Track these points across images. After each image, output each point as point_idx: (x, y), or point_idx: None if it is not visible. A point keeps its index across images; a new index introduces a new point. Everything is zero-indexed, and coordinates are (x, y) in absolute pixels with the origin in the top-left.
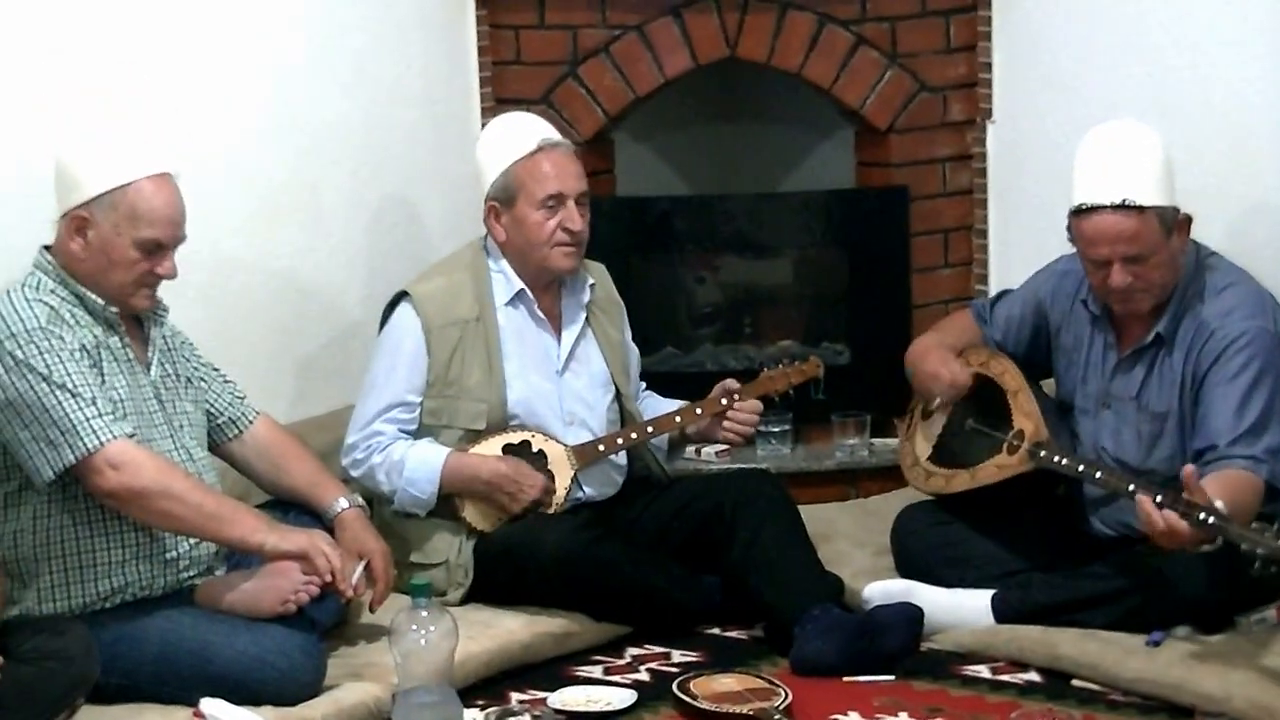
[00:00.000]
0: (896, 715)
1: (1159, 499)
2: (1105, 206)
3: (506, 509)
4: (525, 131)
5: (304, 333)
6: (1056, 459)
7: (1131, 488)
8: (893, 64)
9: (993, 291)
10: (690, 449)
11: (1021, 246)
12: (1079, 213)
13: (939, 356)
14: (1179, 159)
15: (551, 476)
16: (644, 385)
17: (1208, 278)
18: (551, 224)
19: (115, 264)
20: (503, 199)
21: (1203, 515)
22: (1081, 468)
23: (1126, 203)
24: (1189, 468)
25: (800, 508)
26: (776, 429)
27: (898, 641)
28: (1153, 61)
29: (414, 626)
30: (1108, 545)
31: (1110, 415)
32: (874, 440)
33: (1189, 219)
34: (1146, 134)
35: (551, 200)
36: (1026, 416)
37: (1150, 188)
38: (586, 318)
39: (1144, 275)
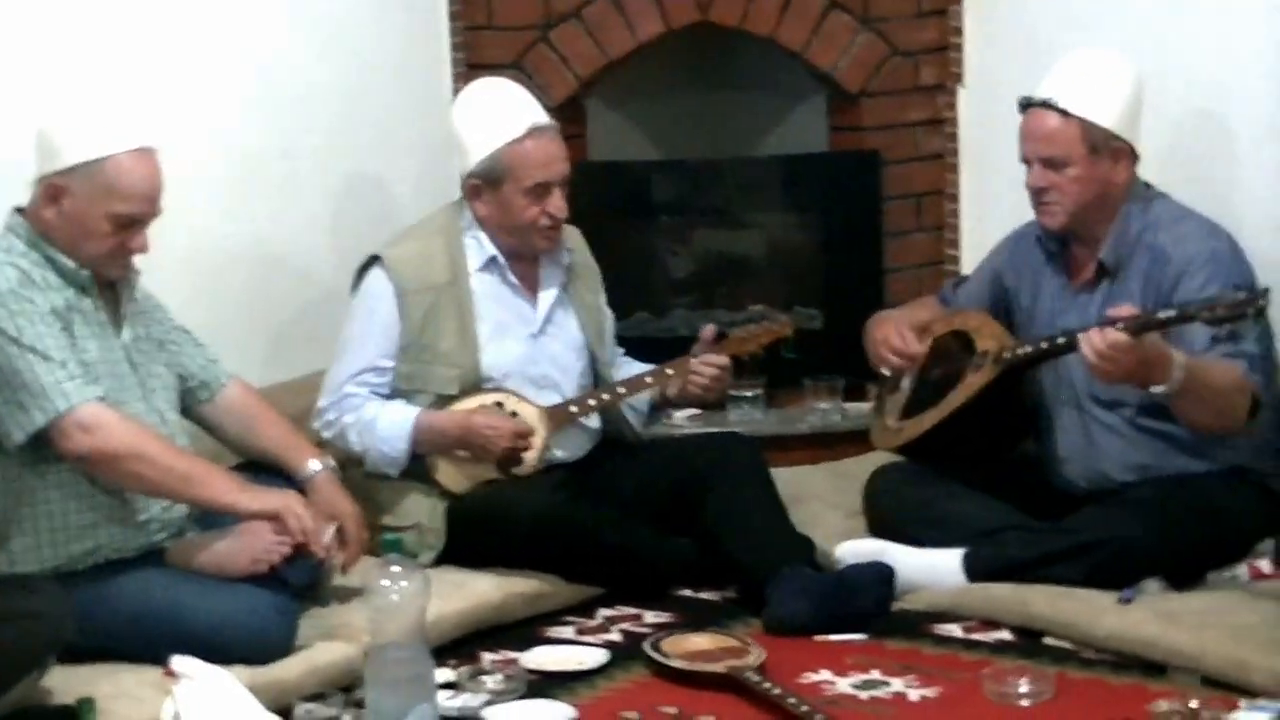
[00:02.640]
0: (869, 673)
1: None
2: (1036, 103)
3: (481, 459)
4: (513, 111)
5: (277, 298)
6: (1019, 352)
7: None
8: (865, 28)
9: (965, 256)
10: (664, 415)
11: (994, 211)
12: (1021, 111)
13: (891, 325)
14: (1155, 126)
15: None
16: (622, 350)
17: (1159, 212)
18: (536, 209)
19: (88, 235)
20: (487, 180)
21: (1159, 316)
22: (1044, 344)
23: (1050, 103)
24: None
25: (773, 471)
26: (749, 393)
27: (870, 600)
28: (1132, 27)
29: (386, 582)
30: (1081, 501)
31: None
32: (847, 404)
33: (1130, 151)
34: (1117, 62)
35: (539, 188)
36: (991, 338)
37: (1087, 101)
38: (564, 283)
39: (1059, 185)
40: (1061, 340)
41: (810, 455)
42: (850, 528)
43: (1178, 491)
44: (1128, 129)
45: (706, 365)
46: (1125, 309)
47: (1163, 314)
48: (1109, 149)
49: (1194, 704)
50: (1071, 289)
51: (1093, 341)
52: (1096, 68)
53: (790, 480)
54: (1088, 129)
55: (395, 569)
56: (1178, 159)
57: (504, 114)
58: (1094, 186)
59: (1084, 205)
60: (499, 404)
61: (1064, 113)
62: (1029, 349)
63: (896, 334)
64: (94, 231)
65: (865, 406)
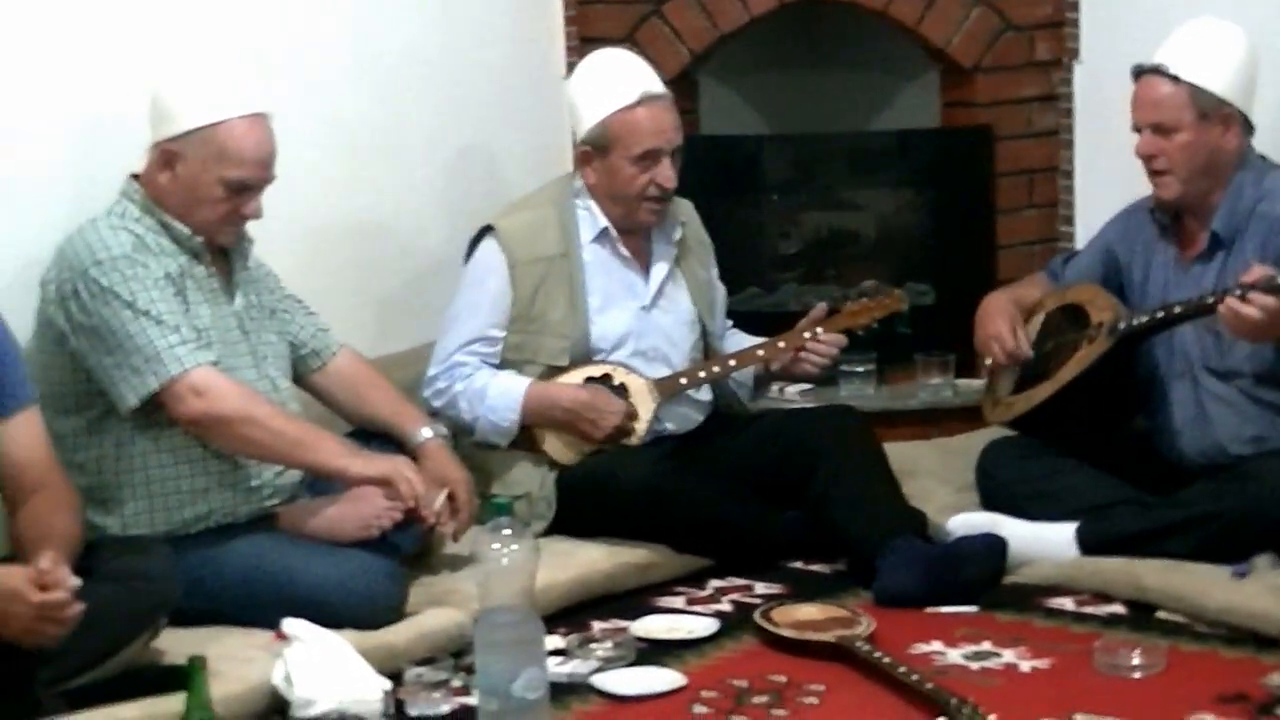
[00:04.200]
0: (979, 644)
1: (1239, 292)
2: (1146, 70)
3: (588, 438)
4: (627, 79)
5: (385, 270)
6: (1135, 322)
7: (1212, 298)
8: (978, 2)
9: (1079, 233)
10: (774, 388)
11: (1107, 189)
12: (1134, 79)
13: (1005, 320)
14: (1270, 99)
15: (632, 410)
16: (730, 324)
17: (1273, 183)
18: (645, 178)
19: (201, 200)
20: (597, 146)
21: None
22: (1161, 313)
23: (1161, 69)
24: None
25: (884, 446)
26: (860, 369)
27: (981, 570)
28: (1251, 2)
29: (495, 545)
30: (1194, 476)
31: (1187, 325)
32: (958, 380)
33: (1244, 119)
34: (1229, 29)
35: (647, 155)
36: (1104, 309)
37: (1197, 67)
38: (676, 256)
39: (1167, 151)
40: (1178, 309)
41: (921, 431)
42: (962, 502)
43: None
44: (1239, 96)
45: (820, 341)
46: (1256, 270)
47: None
48: (1219, 115)
49: None
50: (1184, 262)
51: (1239, 310)
52: (1208, 35)
53: (901, 455)
54: (1196, 94)
55: (505, 532)
56: None
57: (618, 81)
58: (1203, 153)
59: (1195, 172)
60: (608, 375)
61: (1174, 78)
62: (1145, 318)
63: (1010, 333)
64: (207, 197)
65: (976, 383)
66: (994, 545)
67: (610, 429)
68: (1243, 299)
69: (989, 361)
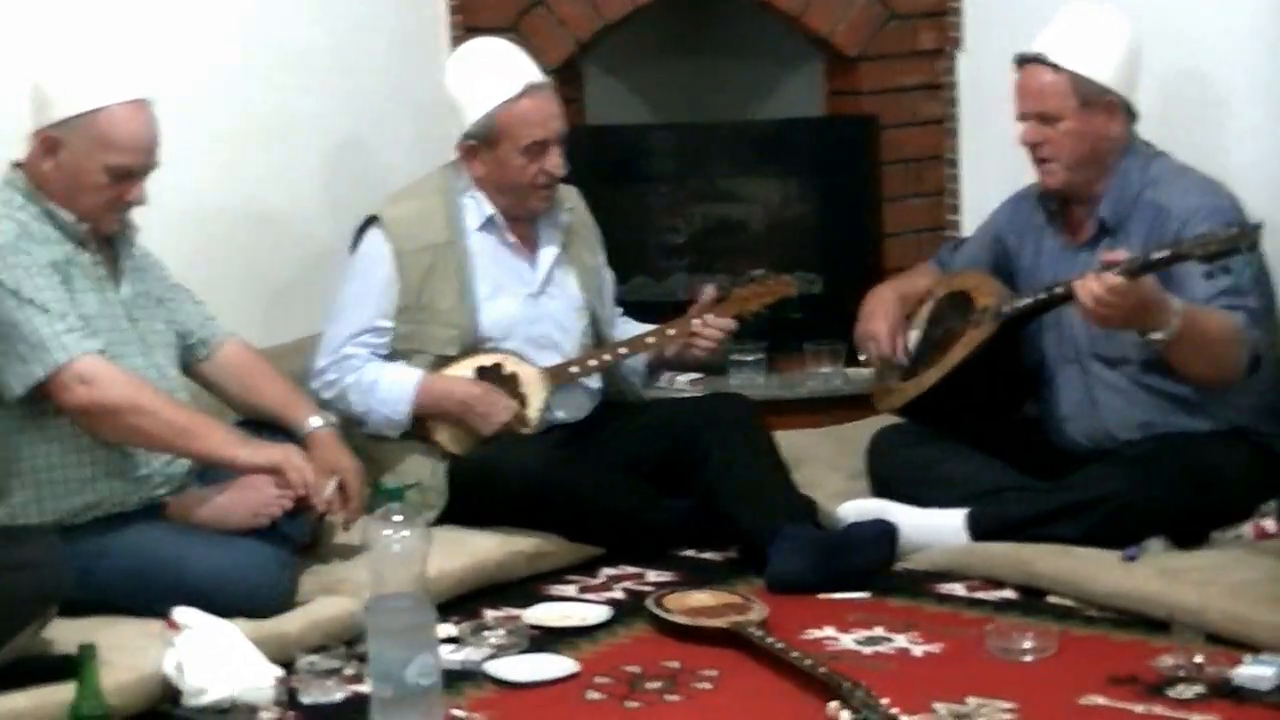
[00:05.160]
0: (872, 629)
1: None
2: (1028, 59)
3: (479, 430)
4: (508, 70)
5: (273, 260)
6: (1017, 305)
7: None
8: None
9: (965, 221)
10: (665, 378)
11: (992, 177)
12: (1016, 68)
13: (884, 321)
14: (1148, 85)
15: (523, 399)
16: (620, 311)
17: (1159, 170)
18: (533, 169)
19: (84, 187)
20: (483, 139)
21: (1154, 257)
22: (1042, 295)
23: (1041, 58)
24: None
25: (774, 434)
26: (750, 357)
27: (872, 556)
28: None
29: (387, 531)
30: (1083, 461)
31: (1076, 312)
32: (848, 369)
33: (1126, 107)
34: (1110, 16)
35: (536, 146)
36: (988, 295)
37: (1078, 55)
38: (564, 242)
39: (1053, 140)
40: (1060, 290)
41: (811, 420)
42: (852, 489)
43: (1179, 450)
44: (1121, 83)
45: (710, 326)
46: (1119, 253)
47: (1156, 254)
48: (1102, 103)
49: (1198, 659)
50: (1072, 247)
51: (1089, 286)
52: (1089, 22)
53: (792, 443)
54: (1079, 82)
55: (396, 518)
56: (1171, 119)
57: (499, 73)
58: (1087, 140)
59: (1079, 160)
60: (499, 365)
61: (1055, 67)
62: (1027, 301)
63: (888, 337)
64: (90, 184)
65: (866, 371)
66: (885, 532)
67: (499, 424)
68: (1097, 278)
69: (863, 357)
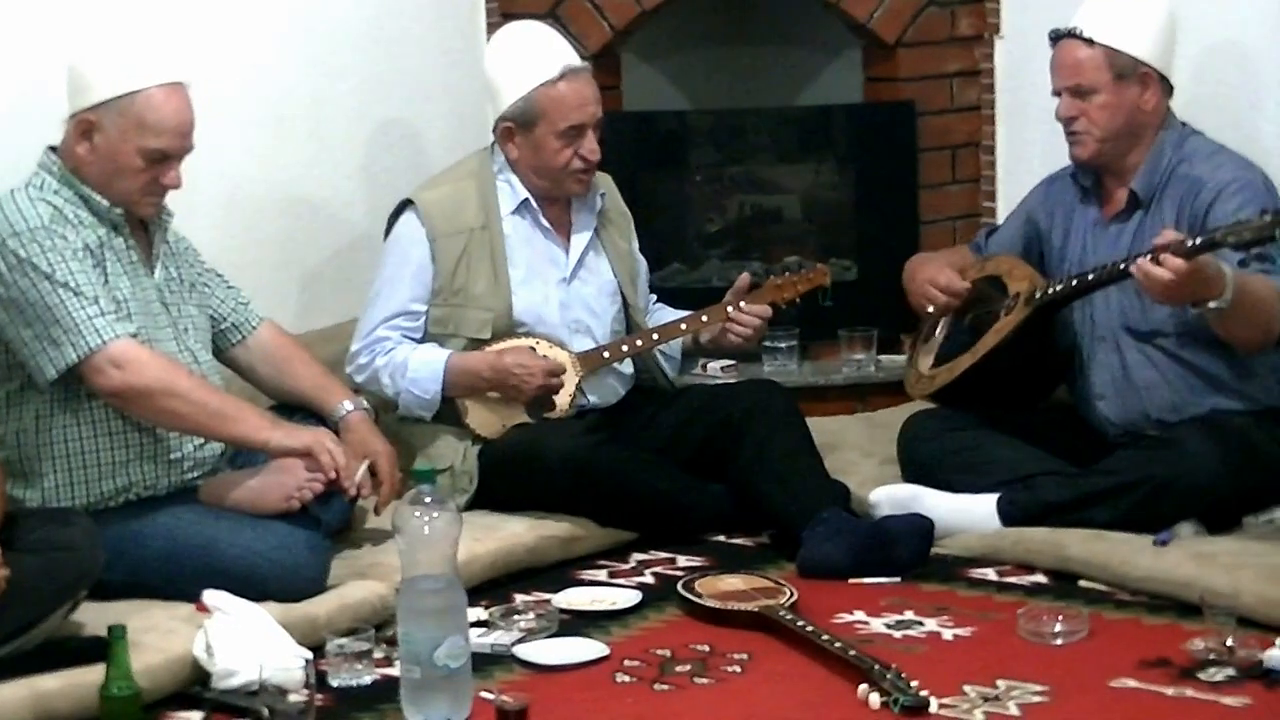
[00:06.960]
0: (903, 613)
1: (1150, 255)
2: (1062, 34)
3: (513, 400)
4: (547, 53)
5: (309, 245)
6: (1051, 290)
7: (1124, 263)
8: None
9: (1000, 208)
10: (698, 364)
11: (1029, 163)
12: (1051, 44)
13: (935, 266)
14: (1186, 74)
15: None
16: (654, 298)
17: (1193, 146)
18: (569, 152)
19: (120, 171)
20: (520, 122)
21: (1195, 241)
22: (1076, 280)
23: (1075, 32)
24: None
25: (807, 420)
26: (783, 344)
27: (908, 553)
28: None
29: (418, 513)
30: (1116, 444)
31: (1109, 290)
32: (881, 356)
33: (1162, 80)
34: None
35: (572, 130)
36: (1021, 279)
37: (1113, 29)
38: (596, 227)
39: (1087, 113)
40: (1092, 276)
41: (844, 406)
42: (885, 475)
43: (1212, 434)
44: (1156, 56)
45: (745, 313)
46: (1168, 234)
47: (1189, 242)
48: (1136, 75)
49: (1230, 642)
50: (1104, 221)
51: (1155, 275)
52: None
53: (824, 430)
54: (1113, 56)
55: (427, 500)
56: (1201, 99)
57: (537, 56)
58: (1122, 114)
59: (1113, 133)
60: (531, 349)
61: (1089, 41)
62: (1060, 286)
63: (942, 273)
64: (126, 167)
65: (900, 358)
66: (922, 526)
67: (536, 386)
68: (1155, 262)
69: (931, 309)
